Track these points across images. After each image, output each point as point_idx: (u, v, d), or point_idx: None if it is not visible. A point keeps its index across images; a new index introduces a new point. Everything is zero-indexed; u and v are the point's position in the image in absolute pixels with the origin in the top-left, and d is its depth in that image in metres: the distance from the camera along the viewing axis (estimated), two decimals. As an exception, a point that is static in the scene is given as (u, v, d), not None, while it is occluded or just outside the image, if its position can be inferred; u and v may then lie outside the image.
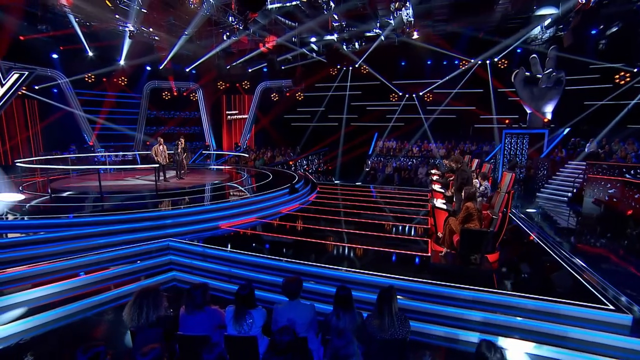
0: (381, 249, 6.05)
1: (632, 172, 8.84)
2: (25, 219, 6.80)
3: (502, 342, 3.75)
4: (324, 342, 2.92)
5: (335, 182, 15.07)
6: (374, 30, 14.35)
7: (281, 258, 5.50)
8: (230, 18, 13.16)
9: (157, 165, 10.57)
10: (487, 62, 16.18)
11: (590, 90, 13.98)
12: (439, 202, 6.39)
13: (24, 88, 13.30)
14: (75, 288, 4.90)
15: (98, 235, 6.31)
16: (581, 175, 10.54)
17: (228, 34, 14.37)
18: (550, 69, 13.08)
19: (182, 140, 11.69)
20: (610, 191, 9.14)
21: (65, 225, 6.48)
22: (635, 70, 12.96)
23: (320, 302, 4.24)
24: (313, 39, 15.53)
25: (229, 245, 6.18)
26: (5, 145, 14.91)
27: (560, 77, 13.08)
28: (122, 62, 16.92)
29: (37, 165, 11.87)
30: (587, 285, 4.58)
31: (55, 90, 16.62)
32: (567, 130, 13.61)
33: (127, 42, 15.09)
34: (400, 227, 7.59)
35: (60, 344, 3.90)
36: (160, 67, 18.18)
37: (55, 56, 15.97)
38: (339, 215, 8.60)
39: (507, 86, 15.33)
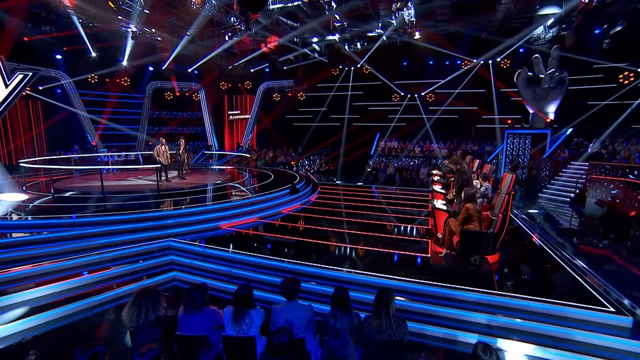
0: (381, 249, 6.04)
1: (635, 172, 8.77)
2: (29, 218, 6.86)
3: (502, 343, 3.74)
4: (322, 342, 2.92)
5: (337, 182, 15.07)
6: (376, 30, 14.35)
7: (281, 258, 5.51)
8: (232, 18, 13.21)
9: (159, 165, 10.63)
10: (490, 62, 16.12)
11: (594, 90, 13.90)
12: (439, 203, 6.38)
13: (28, 89, 13.39)
14: (76, 288, 4.94)
15: (100, 235, 6.36)
16: (584, 176, 10.47)
17: (230, 34, 14.43)
18: (553, 69, 13.00)
19: (183, 142, 11.74)
20: (613, 192, 9.07)
21: (68, 225, 6.53)
22: (640, 69, 12.88)
23: (321, 303, 4.25)
24: (315, 39, 15.55)
25: (230, 246, 6.20)
26: (9, 145, 15.05)
27: (563, 76, 13.00)
28: (124, 63, 17.02)
29: (40, 166, 11.96)
30: (588, 287, 4.56)
31: (58, 91, 16.76)
32: (570, 130, 13.54)
33: (129, 43, 15.16)
34: (401, 228, 7.58)
35: (61, 344, 3.93)
36: (163, 68, 18.27)
37: (58, 57, 16.11)
38: (339, 215, 8.60)
39: (509, 86, 15.26)
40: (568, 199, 10.66)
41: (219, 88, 21.36)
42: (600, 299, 4.22)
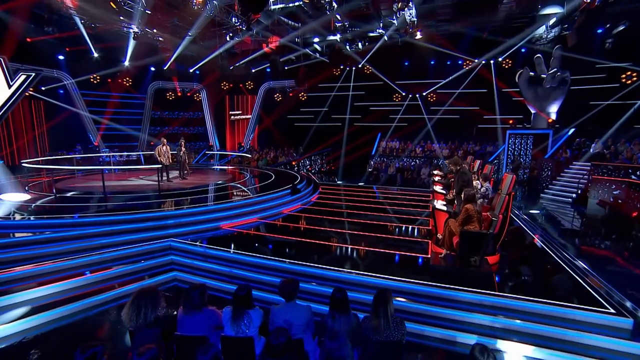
0: (382, 250, 6.04)
1: (637, 173, 8.73)
2: (31, 218, 6.90)
3: (501, 344, 3.73)
4: (320, 343, 2.93)
5: (338, 182, 15.07)
6: (377, 30, 14.35)
7: (282, 259, 5.51)
8: (233, 19, 13.24)
9: (160, 165, 10.67)
10: (491, 62, 16.08)
11: (596, 90, 13.82)
12: (439, 204, 6.37)
13: (30, 89, 13.47)
14: (77, 287, 4.96)
15: (101, 235, 6.38)
16: (586, 176, 10.43)
17: (231, 34, 14.47)
18: (555, 69, 12.97)
19: (183, 142, 11.77)
20: (615, 192, 9.04)
21: (69, 225, 6.56)
22: (642, 69, 12.82)
23: (321, 304, 4.25)
24: (316, 39, 15.57)
25: (231, 246, 6.21)
26: (12, 145, 15.14)
27: (565, 76, 12.96)
28: (126, 63, 17.11)
29: (42, 166, 12.03)
30: (588, 288, 4.54)
31: (61, 91, 16.85)
32: (572, 130, 13.49)
33: (131, 43, 15.24)
34: (402, 228, 7.58)
35: (62, 343, 3.95)
36: (164, 68, 18.35)
37: (61, 57, 16.21)
38: (340, 216, 8.60)
39: (511, 86, 15.22)
40: (570, 200, 10.61)
41: (221, 88, 21.40)
42: (601, 300, 4.20)
